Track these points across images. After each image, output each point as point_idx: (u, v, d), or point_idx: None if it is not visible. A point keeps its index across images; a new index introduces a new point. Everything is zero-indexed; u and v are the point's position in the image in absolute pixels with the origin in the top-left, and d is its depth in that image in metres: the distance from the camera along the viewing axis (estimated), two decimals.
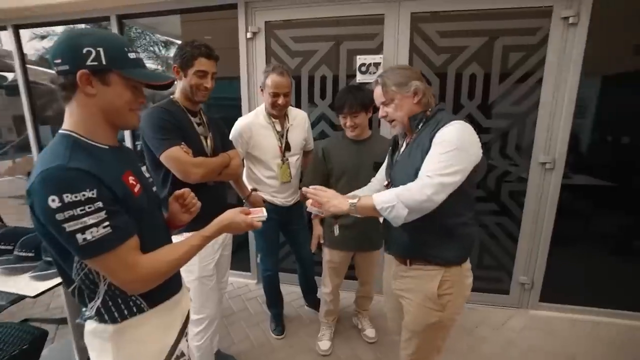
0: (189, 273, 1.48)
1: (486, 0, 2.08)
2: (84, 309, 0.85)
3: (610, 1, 2.00)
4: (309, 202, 1.22)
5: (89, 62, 0.73)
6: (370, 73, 2.27)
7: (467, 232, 1.18)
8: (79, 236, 0.68)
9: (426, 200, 1.01)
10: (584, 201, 2.41)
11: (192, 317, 1.52)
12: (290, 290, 2.60)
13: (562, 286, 2.39)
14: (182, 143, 1.39)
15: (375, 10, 2.21)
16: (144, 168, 0.95)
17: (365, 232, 1.81)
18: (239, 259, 2.68)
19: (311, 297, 2.40)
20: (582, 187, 2.32)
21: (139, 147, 2.86)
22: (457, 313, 1.23)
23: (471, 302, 2.45)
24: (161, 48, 2.91)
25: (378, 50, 2.27)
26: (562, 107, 2.13)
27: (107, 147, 0.81)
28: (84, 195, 0.68)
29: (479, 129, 2.25)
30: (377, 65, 2.26)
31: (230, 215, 0.97)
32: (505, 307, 2.46)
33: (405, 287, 1.28)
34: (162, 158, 1.35)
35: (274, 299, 2.23)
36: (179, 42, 2.73)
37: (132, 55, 0.80)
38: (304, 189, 1.20)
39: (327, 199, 1.14)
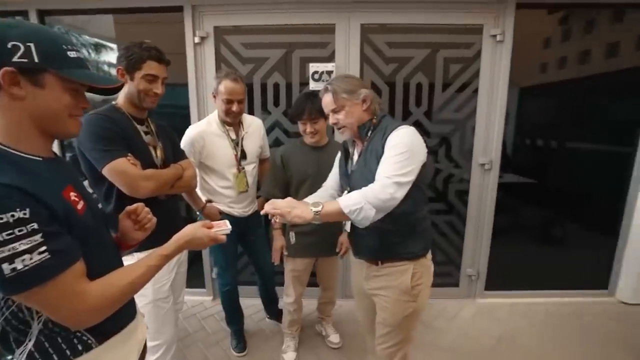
0: (141, 297, 1.34)
1: (428, 15, 2.24)
2: (9, 358, 0.70)
3: (525, 25, 2.28)
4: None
5: (15, 59, 0.62)
6: (323, 81, 2.31)
7: (426, 225, 1.30)
8: (5, 266, 0.56)
9: (390, 199, 1.07)
10: (512, 197, 2.70)
11: (148, 344, 1.39)
12: (250, 304, 2.51)
13: (501, 275, 2.63)
14: (129, 154, 1.26)
15: (326, 20, 2.26)
16: (86, 182, 0.84)
17: (325, 237, 1.81)
18: (192, 275, 2.50)
19: (273, 308, 2.33)
20: (510, 184, 2.60)
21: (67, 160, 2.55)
22: (426, 301, 1.33)
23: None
24: (90, 51, 2.61)
25: (330, 58, 2.31)
26: (495, 114, 2.36)
27: (40, 158, 0.69)
28: (12, 215, 0.57)
29: (427, 135, 2.42)
30: (329, 73, 2.30)
31: (191, 230, 0.90)
32: (456, 299, 2.64)
33: (379, 286, 1.33)
34: (106, 171, 1.22)
35: (234, 315, 2.13)
36: (112, 45, 2.49)
37: (72, 54, 0.69)
38: (265, 209, 1.14)
39: (288, 210, 1.09)
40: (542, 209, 2.87)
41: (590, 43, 2.74)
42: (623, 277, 2.60)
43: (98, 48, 2.58)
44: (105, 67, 2.52)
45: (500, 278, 2.63)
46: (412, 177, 1.11)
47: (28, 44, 0.63)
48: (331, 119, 1.28)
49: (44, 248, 0.60)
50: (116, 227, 0.95)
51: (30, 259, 0.58)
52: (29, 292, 0.60)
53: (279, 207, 1.10)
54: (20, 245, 0.57)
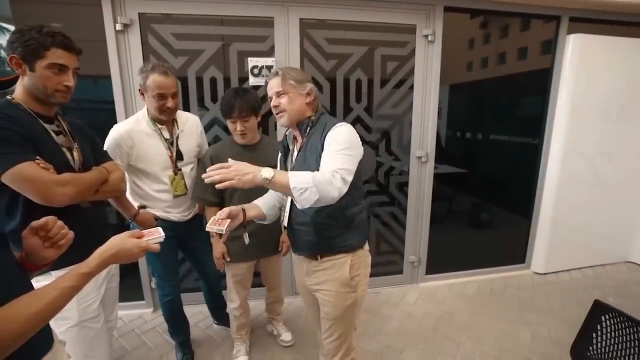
0: (63, 320, 1.17)
1: (365, 13, 2.30)
2: None
3: (453, 27, 2.47)
4: (210, 222, 1.14)
5: None
6: (262, 76, 2.24)
7: (362, 217, 1.35)
8: None
9: (337, 195, 1.08)
10: (446, 186, 2.94)
11: None
12: (195, 311, 2.38)
13: (439, 259, 2.86)
14: (37, 157, 1.08)
15: (264, 13, 2.19)
16: None
17: (265, 239, 1.77)
18: (127, 286, 2.28)
19: (220, 314, 2.23)
20: (444, 174, 2.82)
21: None
22: (365, 290, 1.38)
23: (375, 286, 2.70)
24: None
25: (269, 53, 2.25)
26: (429, 110, 2.53)
27: None
28: None
29: (367, 130, 2.51)
30: (269, 68, 2.24)
31: (118, 241, 0.81)
32: (400, 285, 2.80)
33: (319, 280, 1.35)
34: (7, 179, 1.03)
35: (178, 326, 1.98)
36: (8, 26, 2.12)
37: None
38: (204, 176, 1.05)
39: (236, 173, 1.02)
40: (472, 196, 3.18)
41: (505, 46, 3.08)
42: (536, 251, 3.00)
43: None
44: (2, 53, 2.13)
45: (438, 262, 2.86)
46: (353, 173, 1.15)
47: None
48: (273, 102, 1.27)
49: None
50: (19, 245, 0.81)
51: None
52: None
53: (226, 170, 1.02)
54: None
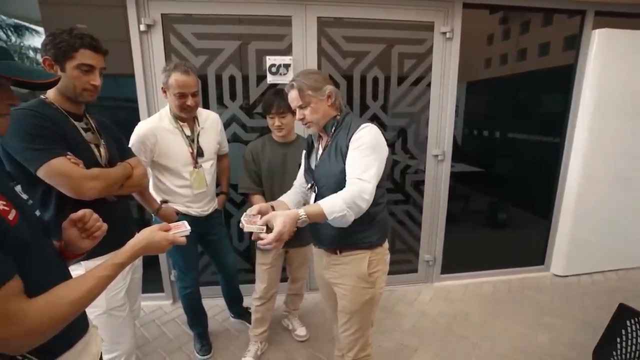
0: (94, 308, 1.23)
1: (382, 11, 2.29)
2: None
3: (471, 24, 2.42)
4: (245, 222, 1.14)
5: None
6: (280, 74, 2.27)
7: (384, 216, 1.36)
8: None
9: (366, 205, 1.14)
10: (463, 185, 2.90)
11: (104, 357, 1.29)
12: (213, 304, 2.44)
13: (455, 258, 2.83)
14: (69, 153, 1.14)
15: (282, 12, 2.21)
16: (18, 188, 0.74)
17: (300, 229, 1.79)
18: (148, 278, 2.35)
19: (237, 307, 2.28)
20: (460, 173, 2.78)
21: None
22: (383, 287, 1.39)
23: (389, 284, 2.69)
24: (10, 33, 2.25)
25: (287, 51, 2.28)
26: (446, 108, 2.50)
27: None
28: None
29: (384, 128, 2.50)
30: (287, 66, 2.27)
31: (148, 234, 0.84)
32: (415, 284, 2.79)
33: (338, 274, 1.37)
34: (42, 173, 1.09)
35: (197, 318, 2.05)
36: (38, 28, 2.19)
37: None
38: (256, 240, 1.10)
39: (279, 234, 1.04)
40: (489, 195, 3.13)
41: (526, 42, 3.00)
42: (555, 253, 2.93)
43: (20, 30, 2.26)
44: (31, 53, 2.23)
45: (454, 262, 2.83)
46: (379, 176, 1.18)
47: None
48: (297, 115, 1.30)
49: None
50: (59, 234, 0.86)
51: None
52: None
53: (273, 240, 1.05)
54: None
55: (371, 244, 1.33)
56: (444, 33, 2.38)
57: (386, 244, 1.41)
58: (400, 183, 2.65)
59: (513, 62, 3.07)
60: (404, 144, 2.59)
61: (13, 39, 2.11)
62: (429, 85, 2.47)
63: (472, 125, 2.93)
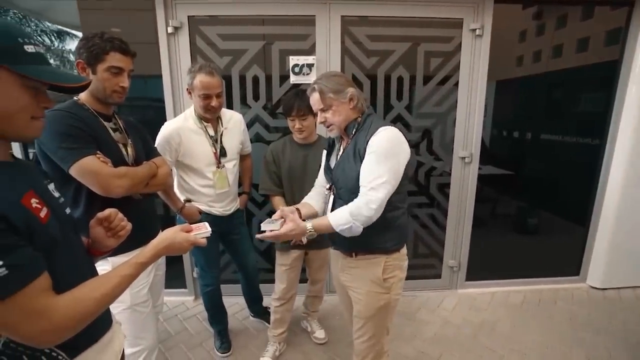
0: (118, 303, 1.26)
1: (408, 8, 2.23)
2: None
3: (501, 18, 2.30)
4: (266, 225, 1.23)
5: None
6: (303, 74, 2.26)
7: (402, 222, 1.32)
8: None
9: (374, 214, 1.15)
10: (490, 189, 2.77)
11: (127, 351, 1.33)
12: (233, 302, 2.46)
13: (481, 265, 2.71)
14: (98, 152, 1.18)
15: (305, 11, 2.20)
16: (51, 186, 0.77)
17: None
18: (172, 274, 2.42)
19: (257, 306, 2.30)
20: (487, 176, 2.66)
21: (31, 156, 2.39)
22: (399, 293, 1.36)
23: (410, 290, 2.63)
24: (54, 38, 2.39)
25: (311, 51, 2.26)
26: (475, 108, 2.40)
27: None
28: None
29: (408, 128, 2.43)
30: (310, 66, 2.25)
31: (169, 234, 0.85)
32: (438, 290, 2.70)
33: (352, 278, 1.36)
34: (74, 171, 1.13)
35: (217, 315, 2.08)
36: (78, 33, 2.31)
37: (29, 48, 0.62)
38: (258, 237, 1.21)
39: (285, 232, 1.17)
40: (518, 200, 2.97)
41: (562, 38, 2.83)
42: (593, 263, 2.73)
43: (61, 36, 2.40)
44: (71, 57, 2.36)
45: (480, 268, 2.71)
46: (393, 183, 1.16)
47: None
48: (319, 118, 1.30)
49: None
50: (88, 231, 0.89)
51: None
52: None
53: (277, 235, 1.19)
54: None
55: (387, 249, 1.30)
56: (474, 30, 2.28)
57: (404, 250, 1.37)
58: (424, 185, 2.56)
59: (547, 59, 2.90)
60: (429, 145, 2.50)
61: (56, 43, 2.27)
62: (456, 84, 2.37)
63: (501, 125, 2.79)
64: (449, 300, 2.59)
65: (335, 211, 1.20)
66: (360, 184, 1.17)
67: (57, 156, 1.13)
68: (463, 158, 2.47)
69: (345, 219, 1.15)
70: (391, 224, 1.26)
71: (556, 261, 2.83)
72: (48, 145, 1.13)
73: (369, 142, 1.17)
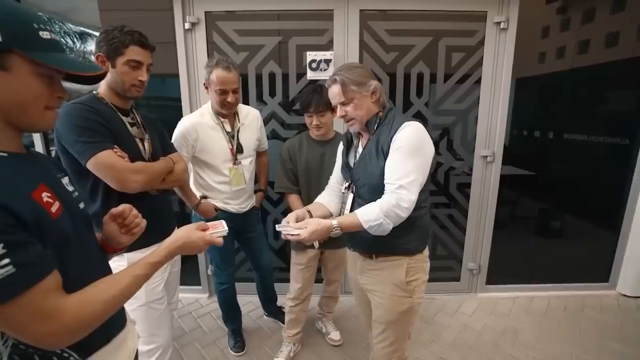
0: (134, 299, 1.23)
1: (429, 1, 2.15)
2: None
3: (523, 13, 2.18)
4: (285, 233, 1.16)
5: None
6: (321, 70, 2.21)
7: (425, 221, 1.27)
8: None
9: (406, 213, 1.09)
10: (511, 189, 2.66)
11: (142, 348, 1.31)
12: (247, 301, 2.44)
13: (502, 268, 2.60)
14: (115, 146, 1.17)
15: (323, 5, 2.15)
16: (65, 180, 0.74)
17: None
18: (186, 271, 2.42)
19: (271, 306, 2.27)
20: (507, 176, 2.53)
21: (53, 154, 2.43)
22: (422, 297, 1.29)
23: (428, 292, 2.54)
24: (76, 40, 2.44)
25: (328, 46, 2.21)
26: (498, 105, 2.30)
27: (5, 154, 0.59)
28: None
29: (427, 126, 2.35)
30: (327, 62, 2.20)
31: (184, 233, 0.82)
32: (457, 293, 2.61)
33: (373, 280, 1.30)
34: (91, 165, 1.12)
35: (231, 314, 2.05)
36: (97, 34, 2.35)
37: (44, 35, 0.59)
38: (282, 233, 1.14)
39: (308, 234, 1.09)
40: (540, 201, 2.85)
41: (589, 32, 2.69)
42: (624, 270, 2.59)
43: (84, 37, 2.43)
44: (92, 58, 2.39)
45: (500, 272, 2.61)
46: (421, 180, 1.11)
47: None
48: (339, 112, 1.23)
49: (6, 261, 0.51)
50: (99, 227, 0.86)
51: None
52: None
53: (300, 234, 1.10)
54: None
55: (410, 251, 1.24)
56: (498, 23, 2.18)
57: (426, 251, 1.31)
58: (443, 185, 2.48)
59: (572, 55, 2.76)
60: (449, 143, 2.42)
61: (78, 45, 2.31)
62: (478, 80, 2.28)
63: (521, 125, 2.66)
64: (468, 304, 2.50)
65: (364, 207, 1.13)
66: (385, 181, 1.12)
67: (75, 150, 1.12)
68: (485, 157, 2.38)
69: (375, 214, 1.08)
70: (414, 224, 1.20)
71: (583, 266, 2.69)
72: (66, 139, 1.12)
73: (394, 138, 1.12)
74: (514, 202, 2.88)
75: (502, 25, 2.18)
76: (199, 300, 2.54)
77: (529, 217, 2.91)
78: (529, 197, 2.87)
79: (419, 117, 2.32)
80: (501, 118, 2.31)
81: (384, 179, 1.13)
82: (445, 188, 2.49)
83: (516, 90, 2.50)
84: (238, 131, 1.75)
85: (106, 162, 1.12)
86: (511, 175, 2.61)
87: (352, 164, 1.30)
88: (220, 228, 0.89)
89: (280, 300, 2.24)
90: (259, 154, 1.94)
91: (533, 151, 2.81)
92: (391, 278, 1.24)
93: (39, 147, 2.38)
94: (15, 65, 0.57)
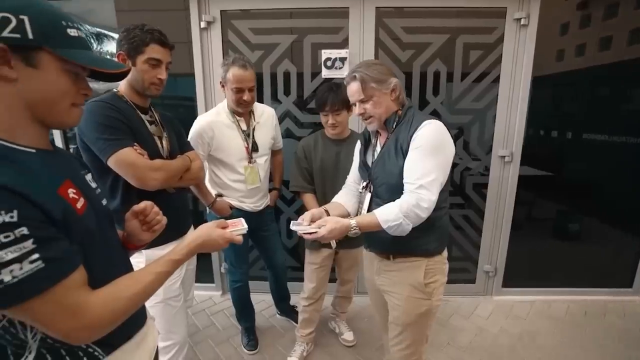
0: (153, 296, 1.27)
1: None
2: None
3: (542, 11, 2.12)
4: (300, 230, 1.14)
5: (6, 34, 0.53)
6: (336, 68, 2.19)
7: (444, 222, 1.25)
8: None
9: (426, 213, 1.07)
10: (528, 190, 2.58)
11: (158, 344, 1.32)
12: (260, 299, 2.44)
13: (519, 271, 2.54)
14: (135, 144, 1.18)
15: (339, 3, 2.13)
16: (88, 176, 0.75)
17: None
18: (200, 269, 2.43)
19: (284, 305, 2.27)
20: (523, 177, 2.46)
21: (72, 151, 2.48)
22: (440, 299, 1.27)
23: (443, 294, 2.50)
24: (93, 41, 2.50)
25: (343, 44, 2.19)
26: (517, 104, 2.24)
27: (33, 150, 0.60)
28: None
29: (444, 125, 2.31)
30: (343, 60, 2.18)
31: (205, 231, 0.82)
32: (472, 296, 2.56)
33: (390, 282, 1.28)
34: (112, 162, 1.13)
35: (245, 312, 2.06)
36: (114, 35, 2.38)
37: (72, 32, 0.60)
38: (298, 232, 1.12)
39: (326, 232, 1.07)
40: (557, 203, 2.76)
41: (611, 29, 2.59)
42: None
43: (100, 38, 2.48)
44: (109, 58, 2.43)
45: (517, 274, 2.54)
46: (441, 180, 1.09)
47: (21, 16, 0.54)
48: (358, 109, 1.21)
49: (36, 256, 0.51)
50: (123, 223, 0.87)
51: (20, 269, 0.49)
52: (18, 307, 0.52)
53: (318, 233, 1.08)
54: (7, 254, 0.48)
55: (429, 252, 1.22)
56: (518, 19, 2.12)
57: (445, 253, 1.28)
58: (459, 185, 2.43)
59: (593, 52, 2.66)
60: (466, 143, 2.37)
61: (95, 45, 2.36)
62: (497, 78, 2.23)
63: (537, 124, 2.58)
64: (483, 306, 2.45)
65: (383, 207, 1.11)
66: (405, 180, 1.10)
67: (97, 147, 1.14)
68: (503, 157, 2.32)
69: (394, 214, 1.06)
70: (433, 225, 1.18)
71: (604, 271, 2.61)
72: (88, 136, 1.14)
73: (414, 136, 1.09)
74: (530, 203, 2.80)
75: (522, 22, 2.12)
76: (213, 298, 2.56)
77: (546, 219, 2.83)
78: (545, 198, 2.79)
79: (435, 116, 2.28)
80: (520, 117, 2.26)
81: (403, 179, 1.11)
82: (461, 188, 2.44)
83: (533, 89, 2.43)
84: (253, 130, 1.74)
85: (126, 160, 1.14)
86: (527, 176, 2.54)
87: (370, 163, 1.28)
88: (239, 226, 0.89)
89: (294, 299, 2.24)
90: (274, 153, 1.94)
91: (550, 151, 2.73)
92: (409, 279, 1.22)
93: (58, 144, 2.43)
94: (44, 63, 0.57)
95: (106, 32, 2.42)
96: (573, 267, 2.62)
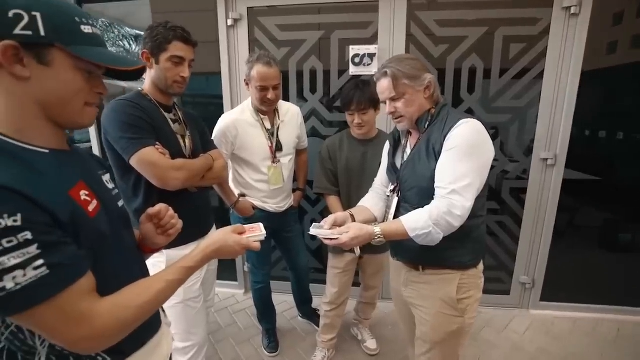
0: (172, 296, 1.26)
1: None
2: None
3: None
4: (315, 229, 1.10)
5: (18, 31, 0.51)
6: (364, 65, 2.11)
7: (481, 232, 1.14)
8: None
9: (460, 221, 0.98)
10: (572, 196, 2.36)
11: (177, 345, 1.32)
12: (282, 300, 2.42)
13: (560, 284, 2.33)
14: (157, 143, 1.17)
15: None
16: (106, 177, 0.73)
17: None
18: (223, 267, 2.45)
19: (306, 307, 2.22)
20: (567, 181, 2.23)
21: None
22: (474, 317, 1.16)
23: None
24: (131, 42, 2.59)
25: (372, 40, 2.10)
26: (563, 102, 2.05)
27: (46, 151, 0.58)
28: None
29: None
30: (371, 56, 2.09)
31: (221, 236, 0.78)
32: (506, 308, 2.38)
33: (418, 295, 1.18)
34: (134, 162, 1.13)
35: (266, 313, 2.04)
36: None
37: (86, 29, 0.57)
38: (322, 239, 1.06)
39: (348, 239, 1.00)
40: (605, 211, 2.51)
41: None
42: None
43: (138, 39, 2.58)
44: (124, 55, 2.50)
45: (558, 288, 2.33)
46: (477, 186, 1.00)
47: (33, 13, 0.52)
48: (388, 108, 1.12)
49: (40, 262, 0.48)
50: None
51: (24, 275, 0.47)
52: (21, 314, 0.49)
53: (340, 240, 1.01)
54: (10, 260, 0.46)
55: (463, 265, 1.10)
56: (568, 8, 1.92)
57: (481, 266, 1.17)
58: (495, 189, 2.27)
59: None
60: (503, 144, 2.20)
61: (134, 47, 2.51)
62: (540, 74, 2.04)
63: (583, 123, 2.34)
64: (519, 321, 2.27)
65: (411, 214, 1.02)
66: (436, 184, 1.00)
67: (120, 146, 1.14)
68: (545, 160, 2.13)
69: (423, 222, 0.98)
70: (469, 235, 1.07)
71: None
72: (112, 134, 1.14)
73: (447, 137, 1.00)
74: (574, 210, 2.57)
75: (572, 10, 1.92)
76: (235, 296, 2.57)
77: (591, 227, 2.58)
78: (591, 205, 2.54)
79: (469, 114, 2.13)
80: (566, 117, 2.06)
81: (434, 183, 1.02)
82: (496, 192, 2.27)
83: (579, 85, 2.21)
84: (278, 129, 1.70)
85: (148, 159, 1.13)
86: (571, 180, 2.32)
87: (399, 165, 1.19)
88: (257, 231, 0.84)
89: (316, 302, 2.19)
90: (299, 152, 1.89)
91: (597, 153, 2.48)
92: (440, 294, 1.12)
93: (94, 141, 2.53)
94: (57, 60, 0.55)
95: (142, 33, 2.51)
96: (624, 282, 2.37)
